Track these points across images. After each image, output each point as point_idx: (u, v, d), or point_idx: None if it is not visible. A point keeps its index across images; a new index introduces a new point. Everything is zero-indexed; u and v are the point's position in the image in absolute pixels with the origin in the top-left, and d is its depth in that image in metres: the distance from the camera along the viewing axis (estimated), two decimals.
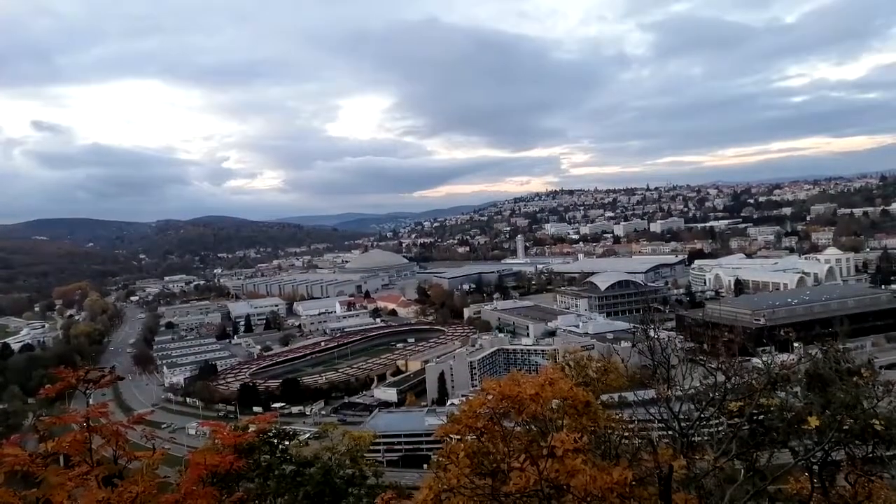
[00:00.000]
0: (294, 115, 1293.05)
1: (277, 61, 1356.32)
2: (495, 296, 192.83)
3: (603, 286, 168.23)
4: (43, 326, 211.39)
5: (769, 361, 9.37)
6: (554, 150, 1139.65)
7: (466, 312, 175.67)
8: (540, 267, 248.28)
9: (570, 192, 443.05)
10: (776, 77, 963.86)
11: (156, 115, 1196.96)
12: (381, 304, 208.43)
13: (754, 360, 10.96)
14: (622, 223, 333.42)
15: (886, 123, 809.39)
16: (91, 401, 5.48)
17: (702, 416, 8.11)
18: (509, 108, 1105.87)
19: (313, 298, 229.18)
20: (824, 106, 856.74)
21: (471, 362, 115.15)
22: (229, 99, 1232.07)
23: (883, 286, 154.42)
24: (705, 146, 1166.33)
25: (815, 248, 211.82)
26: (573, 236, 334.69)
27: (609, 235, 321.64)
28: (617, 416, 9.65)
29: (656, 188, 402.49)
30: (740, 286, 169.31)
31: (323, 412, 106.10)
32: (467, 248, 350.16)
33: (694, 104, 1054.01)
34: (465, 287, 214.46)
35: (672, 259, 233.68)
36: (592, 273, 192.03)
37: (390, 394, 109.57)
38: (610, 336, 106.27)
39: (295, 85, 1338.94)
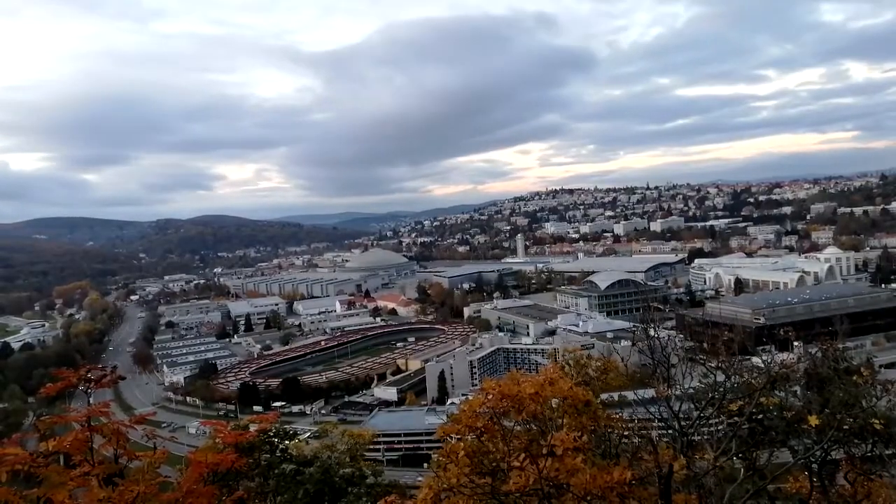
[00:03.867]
0: None
1: None
2: (495, 295, 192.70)
3: (603, 285, 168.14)
4: (43, 325, 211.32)
5: (769, 361, 9.38)
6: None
7: (466, 311, 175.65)
8: (540, 266, 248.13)
9: (570, 192, 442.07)
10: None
11: None
12: (381, 303, 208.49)
13: (754, 359, 10.98)
14: (622, 222, 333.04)
15: None
16: (92, 400, 5.50)
17: (702, 415, 8.12)
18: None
19: (313, 297, 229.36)
20: None
21: (471, 361, 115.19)
22: None
23: (883, 285, 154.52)
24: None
25: (815, 247, 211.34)
26: (573, 235, 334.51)
27: (609, 234, 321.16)
28: (617, 416, 9.67)
29: (656, 187, 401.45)
30: (740, 285, 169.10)
31: (323, 411, 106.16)
32: (467, 248, 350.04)
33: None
34: (465, 286, 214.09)
35: (672, 258, 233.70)
36: (592, 272, 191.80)
37: (390, 393, 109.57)
38: (610, 335, 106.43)
39: None
